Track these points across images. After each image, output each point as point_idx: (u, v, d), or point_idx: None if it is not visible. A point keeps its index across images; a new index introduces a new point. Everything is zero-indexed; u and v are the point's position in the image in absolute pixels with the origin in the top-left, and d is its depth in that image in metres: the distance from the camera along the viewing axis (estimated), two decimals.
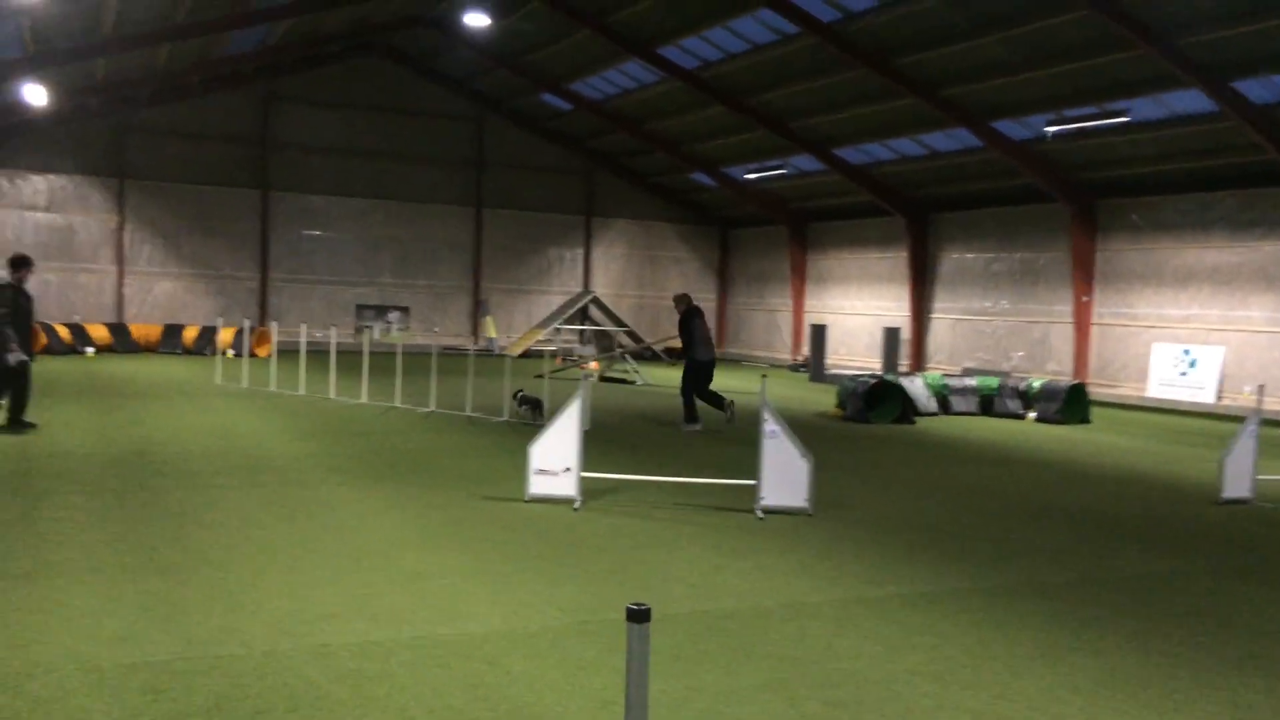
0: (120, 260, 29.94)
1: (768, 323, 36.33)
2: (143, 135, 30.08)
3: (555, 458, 9.49)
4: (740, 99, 27.52)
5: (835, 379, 24.53)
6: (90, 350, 25.75)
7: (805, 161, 29.94)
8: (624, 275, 37.02)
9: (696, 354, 15.45)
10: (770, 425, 9.44)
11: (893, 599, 6.95)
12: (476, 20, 23.70)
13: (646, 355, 34.88)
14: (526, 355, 31.91)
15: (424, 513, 8.87)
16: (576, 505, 9.35)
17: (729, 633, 6.07)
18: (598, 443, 13.66)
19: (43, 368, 21.32)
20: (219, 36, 24.25)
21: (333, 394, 17.88)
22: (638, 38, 26.17)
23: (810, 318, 33.16)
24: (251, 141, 31.38)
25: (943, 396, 19.81)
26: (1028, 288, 26.37)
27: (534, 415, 15.32)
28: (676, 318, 15.79)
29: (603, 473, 10.60)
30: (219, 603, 6.08)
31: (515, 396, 15.79)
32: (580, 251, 36.24)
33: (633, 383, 24.09)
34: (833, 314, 32.96)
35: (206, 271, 30.89)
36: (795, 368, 31.84)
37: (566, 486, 9.50)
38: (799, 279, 34.18)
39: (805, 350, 31.88)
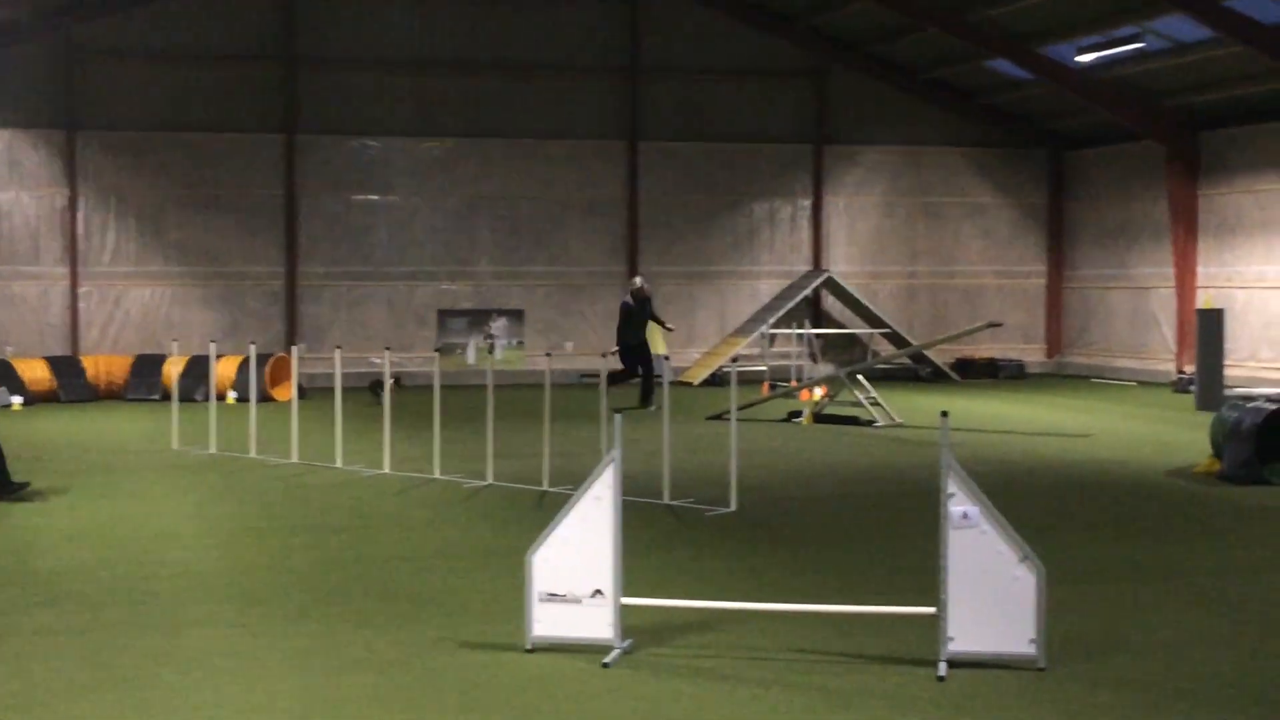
0: (73, 258, 31.35)
1: (1135, 308, 34.45)
2: (98, 61, 31.37)
3: (575, 572, 9.06)
4: None
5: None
6: (16, 401, 26.85)
7: (1178, 25, 28.23)
8: (881, 239, 35.99)
9: None
10: (958, 505, 8.53)
11: None
12: None
13: (926, 373, 33.64)
14: (715, 380, 31.33)
15: (339, 677, 8.51)
16: (609, 658, 8.81)
17: None
18: (727, 537, 13.19)
19: None
20: None
21: (339, 461, 18.09)
22: None
23: (1209, 295, 31.04)
24: (267, 58, 32.30)
25: None
26: None
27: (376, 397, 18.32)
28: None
29: (673, 598, 10.03)
30: None
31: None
32: (806, 204, 35.43)
33: (869, 423, 23.22)
34: (1245, 288, 30.76)
35: (205, 269, 31.95)
36: (1181, 385, 29.94)
37: (596, 624, 9.01)
38: (1186, 229, 32.19)
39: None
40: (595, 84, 34.10)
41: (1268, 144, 30.62)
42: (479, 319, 33.23)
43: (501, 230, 33.62)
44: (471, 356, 32.74)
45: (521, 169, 33.65)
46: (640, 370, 25.86)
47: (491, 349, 32.38)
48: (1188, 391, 28.85)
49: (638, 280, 27.39)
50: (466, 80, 33.24)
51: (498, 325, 33.35)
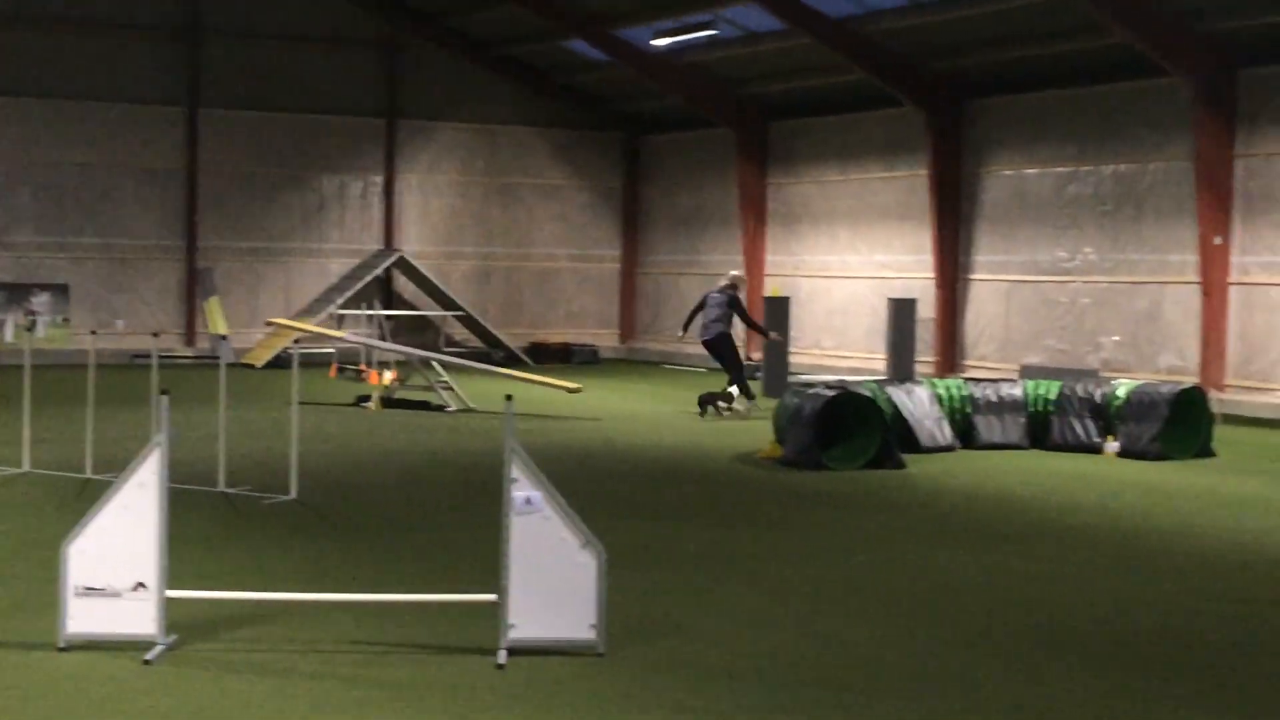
0: None
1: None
2: None
3: (116, 564, 8.80)
4: None
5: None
6: None
7: (750, 14, 29.39)
8: (455, 219, 36.36)
9: None
10: (520, 490, 8.74)
11: None
12: None
13: (500, 358, 33.99)
14: (279, 363, 30.96)
15: None
16: (152, 655, 8.64)
17: None
18: (285, 526, 13.18)
19: None
20: None
21: None
22: None
23: (777, 284, 32.54)
24: None
25: (963, 418, 19.50)
26: (1128, 223, 25.92)
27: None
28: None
29: (224, 589, 9.94)
30: None
31: None
32: (378, 181, 35.49)
33: (442, 407, 23.52)
34: (810, 276, 32.41)
35: None
36: (749, 372, 31.18)
37: (138, 618, 8.81)
38: (755, 217, 33.64)
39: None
40: (151, 44, 33.23)
41: (831, 135, 32.24)
42: (19, 294, 32.18)
43: (45, 198, 32.41)
44: (9, 334, 31.49)
45: (68, 133, 32.54)
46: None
47: (32, 326, 31.33)
48: (755, 378, 30.11)
49: (737, 273, 26.71)
50: (4, 34, 31.83)
51: (40, 301, 32.28)
